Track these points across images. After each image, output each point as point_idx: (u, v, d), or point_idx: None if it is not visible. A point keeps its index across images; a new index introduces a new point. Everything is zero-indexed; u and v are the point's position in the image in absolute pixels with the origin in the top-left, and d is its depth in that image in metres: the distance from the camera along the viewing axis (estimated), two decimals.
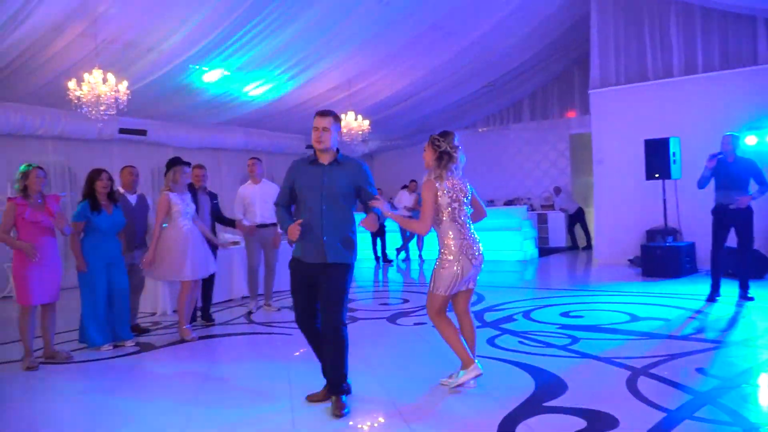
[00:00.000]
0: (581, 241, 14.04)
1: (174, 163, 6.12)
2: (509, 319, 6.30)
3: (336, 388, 3.70)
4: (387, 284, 10.30)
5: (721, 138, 6.77)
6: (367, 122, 11.65)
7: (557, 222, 14.33)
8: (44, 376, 4.86)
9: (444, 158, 3.89)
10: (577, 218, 14.01)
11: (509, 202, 15.12)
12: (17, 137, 9.75)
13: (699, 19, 10.13)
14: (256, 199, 7.23)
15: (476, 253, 3.98)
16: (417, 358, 5.02)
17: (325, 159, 3.78)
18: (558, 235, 14.33)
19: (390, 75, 11.54)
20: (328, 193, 3.71)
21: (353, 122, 11.49)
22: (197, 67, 9.33)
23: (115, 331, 5.62)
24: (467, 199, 4.01)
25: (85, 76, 7.49)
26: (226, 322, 6.81)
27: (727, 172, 6.63)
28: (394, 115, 13.76)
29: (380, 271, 11.87)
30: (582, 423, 3.34)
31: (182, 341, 5.88)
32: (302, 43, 9.40)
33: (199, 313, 6.74)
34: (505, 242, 12.32)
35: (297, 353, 5.23)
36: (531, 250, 12.42)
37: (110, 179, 5.61)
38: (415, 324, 6.27)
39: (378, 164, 17.62)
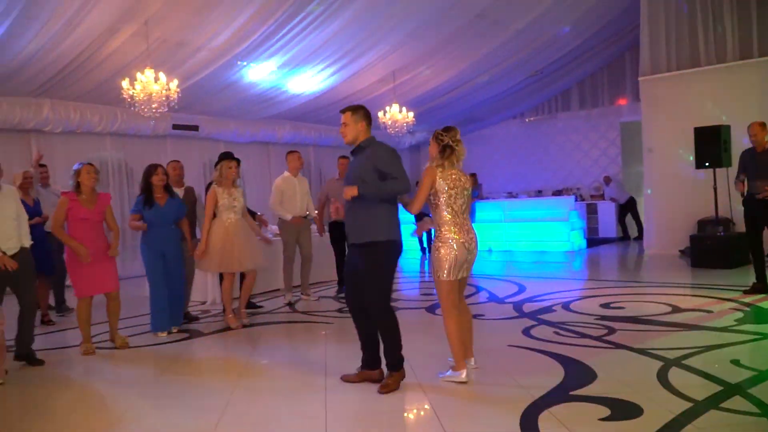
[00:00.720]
0: (632, 232, 13.75)
1: (222, 158, 6.36)
2: (548, 310, 6.30)
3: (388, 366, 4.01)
4: (428, 275, 10.37)
5: (748, 127, 6.56)
6: (411, 114, 11.72)
7: (607, 212, 14.05)
8: (100, 360, 5.21)
9: (447, 151, 4.03)
10: (628, 208, 13.71)
11: (557, 192, 14.91)
12: (77, 134, 10.31)
13: (754, 2, 9.75)
14: (297, 192, 7.43)
15: (470, 241, 4.09)
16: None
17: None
18: (608, 226, 14.05)
19: (435, 66, 11.57)
20: (349, 177, 4.09)
21: (398, 114, 11.58)
22: (244, 63, 9.62)
23: (171, 319, 5.93)
24: (467, 191, 4.10)
25: (138, 75, 7.85)
26: (270, 311, 7.06)
27: (755, 162, 6.45)
28: (439, 106, 13.78)
29: (426, 261, 11.95)
30: (606, 411, 3.37)
31: (228, 329, 6.16)
32: (346, 36, 9.54)
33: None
34: (552, 233, 12.22)
35: (323, 332, 5.45)
36: (578, 240, 12.25)
37: (165, 173, 5.90)
38: None
39: (425, 155, 17.63)
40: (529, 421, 3.28)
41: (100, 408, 4.03)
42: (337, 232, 7.81)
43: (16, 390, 4.49)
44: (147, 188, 5.77)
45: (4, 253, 4.62)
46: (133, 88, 7.78)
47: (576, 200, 13.58)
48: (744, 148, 6.83)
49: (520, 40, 11.28)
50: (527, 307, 6.46)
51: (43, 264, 5.99)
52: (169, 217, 5.86)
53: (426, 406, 3.67)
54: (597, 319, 5.72)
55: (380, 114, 11.56)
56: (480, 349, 4.77)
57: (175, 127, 11.34)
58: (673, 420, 3.19)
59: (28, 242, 5.08)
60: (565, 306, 6.42)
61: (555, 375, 4.07)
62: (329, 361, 4.75)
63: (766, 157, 6.42)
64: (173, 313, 5.95)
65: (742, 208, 6.76)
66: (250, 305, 7.08)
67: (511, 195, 15.37)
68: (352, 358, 4.34)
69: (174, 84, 8.06)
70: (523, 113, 16.03)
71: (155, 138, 11.36)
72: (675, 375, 3.93)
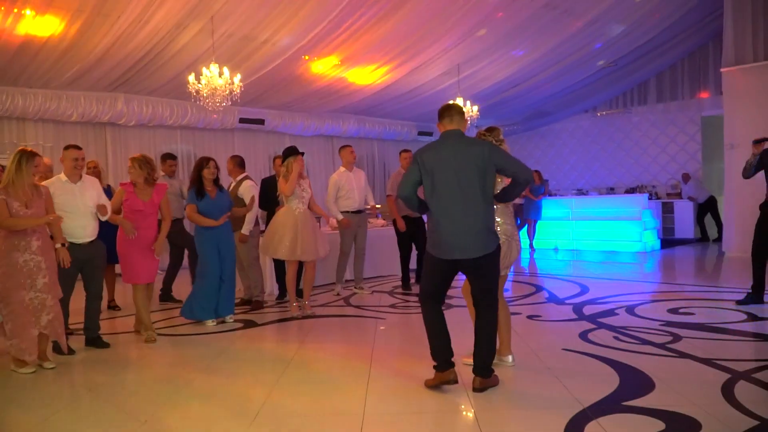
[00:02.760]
0: (712, 233, 12.97)
1: (289, 153, 6.37)
2: (610, 313, 6.00)
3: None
4: None
5: None
6: (476, 108, 11.46)
7: (685, 211, 13.33)
8: (158, 347, 5.36)
9: None
10: (707, 208, 12.96)
11: (631, 190, 14.26)
12: (149, 127, 10.71)
13: None
14: (354, 186, 7.41)
15: (519, 240, 4.27)
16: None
17: None
18: (685, 226, 13.32)
19: (501, 59, 11.26)
20: None
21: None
22: (307, 57, 9.67)
23: (218, 309, 6.03)
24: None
25: (203, 70, 8.03)
26: (325, 304, 7.07)
27: None
28: (506, 100, 13.42)
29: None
30: (659, 425, 3.13)
31: (291, 318, 6.22)
32: (410, 29, 9.38)
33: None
34: (622, 232, 11.69)
35: (382, 327, 5.41)
36: (651, 241, 11.65)
37: (216, 167, 6.00)
38: (511, 314, 6.12)
39: None
40: (574, 431, 3.09)
41: (145, 394, 4.12)
42: (407, 227, 7.77)
43: (79, 370, 4.68)
44: (198, 180, 5.88)
45: (62, 245, 4.78)
46: (199, 83, 7.96)
47: (650, 198, 12.94)
48: None
49: (592, 31, 10.80)
50: (588, 310, 6.18)
51: (111, 253, 6.20)
52: (221, 209, 5.96)
53: (468, 408, 3.53)
54: (662, 325, 5.38)
55: None
56: (532, 351, 4.60)
57: (242, 120, 11.58)
58: None
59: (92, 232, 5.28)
60: (630, 310, 6.09)
61: (609, 383, 3.84)
62: (375, 357, 4.69)
63: None
64: (227, 303, 6.06)
65: None
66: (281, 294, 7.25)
67: (580, 192, 14.84)
68: (398, 353, 4.26)
69: (237, 78, 8.19)
70: (596, 107, 15.40)
71: (223, 131, 11.65)
72: (742, 389, 3.62)
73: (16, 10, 6.89)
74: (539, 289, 7.71)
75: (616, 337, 5.00)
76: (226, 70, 8.12)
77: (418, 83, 11.65)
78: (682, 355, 4.43)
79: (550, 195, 14.42)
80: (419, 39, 9.75)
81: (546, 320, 5.87)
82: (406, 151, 8.24)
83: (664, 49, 12.92)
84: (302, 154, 6.34)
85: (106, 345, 5.25)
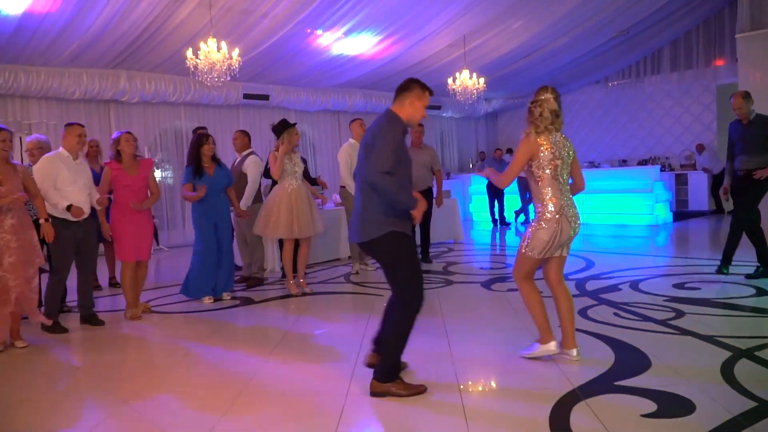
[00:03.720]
0: (727, 205, 12.68)
1: (284, 126, 6.27)
2: (613, 288, 5.87)
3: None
4: (498, 248, 10.02)
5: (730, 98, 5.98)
6: (482, 80, 11.22)
7: (699, 183, 13.05)
8: (149, 325, 5.34)
9: (548, 117, 3.66)
10: (723, 179, 12.64)
11: (643, 162, 13.98)
12: (152, 104, 10.64)
13: None
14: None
15: (576, 217, 3.74)
16: (495, 323, 4.85)
17: None
18: (700, 198, 13.06)
19: (508, 30, 10.96)
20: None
21: (468, 81, 11.12)
22: (309, 31, 9.49)
23: (216, 286, 5.99)
24: (570, 158, 3.73)
25: (201, 44, 7.90)
26: (326, 281, 7.02)
27: (742, 135, 5.88)
28: (515, 72, 13.14)
29: (497, 234, 11.58)
30: (652, 406, 3.03)
31: (288, 296, 6.18)
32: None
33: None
34: (634, 205, 11.48)
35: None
36: (664, 214, 11.43)
37: (214, 143, 5.91)
38: (509, 290, 6.04)
39: (503, 124, 17.05)
40: (561, 413, 3.00)
41: (131, 373, 4.10)
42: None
43: (68, 349, 4.68)
44: (197, 157, 5.80)
45: (46, 220, 4.74)
46: (197, 58, 7.84)
47: (663, 170, 12.67)
48: None
49: None
50: (591, 285, 6.05)
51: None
52: (219, 185, 5.88)
53: (453, 386, 3.44)
54: (666, 300, 5.25)
55: (449, 81, 11.15)
56: (526, 328, 4.50)
57: (246, 96, 11.46)
58: (730, 421, 2.81)
59: (88, 210, 5.26)
60: (634, 285, 5.95)
61: (604, 362, 3.73)
62: (368, 336, 4.62)
63: (752, 129, 5.86)
64: (226, 281, 6.04)
65: None
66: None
67: (593, 165, 14.56)
68: None
69: (236, 53, 8.05)
70: (607, 77, 15.04)
71: (227, 107, 11.54)
72: (743, 368, 3.50)
73: None
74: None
75: (616, 314, 4.88)
76: (224, 44, 7.97)
77: (424, 56, 11.41)
78: (683, 332, 4.30)
79: None
80: (423, 9, 9.52)
81: (545, 296, 5.73)
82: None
83: (678, 15, 12.53)
84: (294, 125, 6.19)
85: (101, 323, 5.26)
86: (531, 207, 12.04)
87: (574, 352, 3.77)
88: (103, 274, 7.11)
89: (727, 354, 3.75)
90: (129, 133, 5.55)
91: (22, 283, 4.58)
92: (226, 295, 6.10)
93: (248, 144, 7.02)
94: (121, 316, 5.61)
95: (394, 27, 9.92)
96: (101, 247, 7.04)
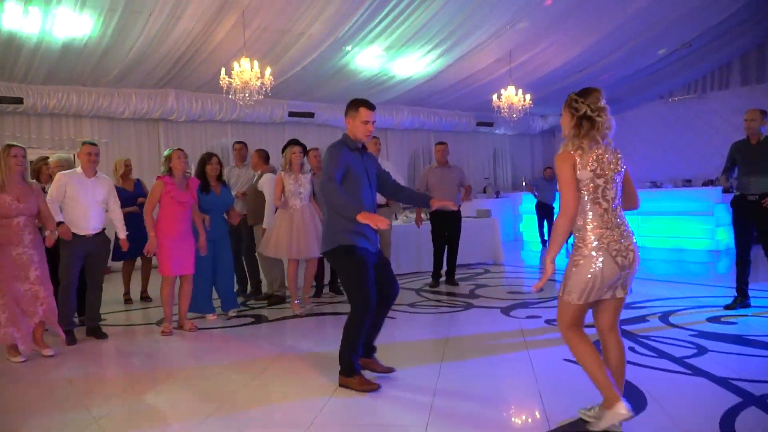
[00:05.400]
0: None
1: (287, 144, 6.38)
2: (640, 320, 5.45)
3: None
4: (540, 271, 9.60)
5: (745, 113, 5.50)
6: (528, 96, 10.87)
7: None
8: (164, 339, 5.40)
9: (585, 125, 2.93)
10: None
11: (709, 182, 13.10)
12: (199, 123, 10.95)
13: None
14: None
15: (626, 251, 2.91)
16: (490, 351, 4.57)
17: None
18: None
19: (557, 43, 10.60)
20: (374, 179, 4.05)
21: (514, 97, 10.81)
22: (348, 48, 9.51)
23: (222, 303, 6.01)
24: (619, 177, 2.99)
25: (234, 64, 8.05)
26: (341, 301, 6.90)
27: (748, 155, 5.45)
28: (569, 86, 12.61)
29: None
30: None
31: (294, 316, 6.12)
32: (453, 12, 8.96)
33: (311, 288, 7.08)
34: (692, 229, 10.75)
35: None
36: (725, 239, 10.62)
37: (219, 163, 5.97)
38: (527, 317, 5.73)
39: (560, 141, 16.42)
40: None
41: (111, 388, 4.12)
42: (439, 222, 7.66)
43: (71, 361, 4.78)
44: (202, 176, 5.86)
45: (51, 231, 4.91)
46: (229, 78, 8.00)
47: (727, 192, 11.81)
48: None
49: (660, 9, 9.90)
50: None
51: (139, 245, 6.19)
52: (223, 205, 5.95)
53: (423, 409, 3.23)
54: (693, 335, 4.80)
55: (494, 97, 10.88)
56: (529, 358, 4.23)
57: (291, 114, 11.62)
58: None
59: (122, 233, 5.42)
60: (664, 317, 5.50)
61: (594, 401, 3.41)
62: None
63: (761, 149, 5.40)
64: (228, 298, 6.04)
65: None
66: (337, 290, 7.14)
67: (654, 184, 13.80)
68: (386, 356, 4.02)
69: (267, 71, 8.15)
70: (671, 92, 14.26)
71: (273, 125, 11.72)
72: (748, 417, 3.11)
73: (52, 11, 7.16)
74: None
75: (631, 348, 4.49)
76: (255, 63, 8.09)
77: (470, 71, 11.21)
78: (697, 372, 3.90)
79: None
80: (463, 21, 9.29)
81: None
82: (441, 143, 7.94)
83: (747, 26, 11.72)
84: (292, 144, 6.23)
85: (104, 336, 5.36)
86: None
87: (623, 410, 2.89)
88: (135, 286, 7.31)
89: (736, 400, 3.35)
90: (180, 150, 5.64)
91: (50, 294, 4.80)
92: (231, 312, 6.09)
93: (262, 163, 7.03)
94: (137, 329, 5.72)
95: (433, 43, 9.79)
96: (138, 261, 7.29)
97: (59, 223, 5.03)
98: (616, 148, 3.02)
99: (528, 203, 13.10)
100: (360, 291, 3.75)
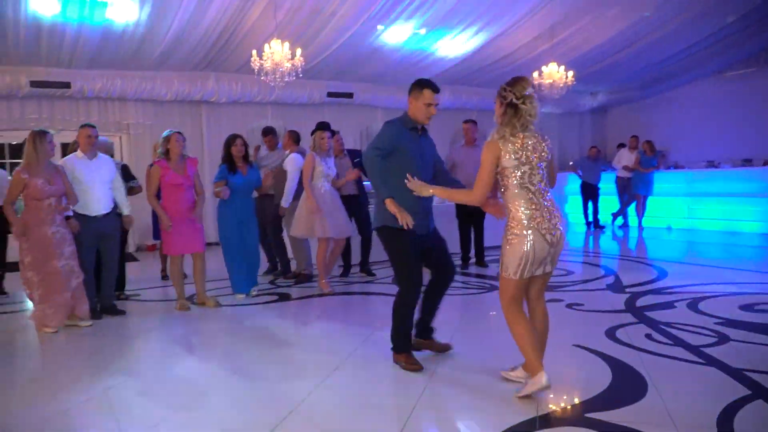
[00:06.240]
0: None
1: (316, 128, 6.42)
2: (666, 306, 5.24)
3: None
4: (580, 253, 9.34)
5: None
6: (571, 73, 10.49)
7: None
8: (181, 316, 5.57)
9: (509, 112, 3.15)
10: None
11: None
12: (240, 104, 11.12)
13: None
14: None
15: (554, 229, 3.18)
16: (498, 336, 4.48)
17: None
18: None
19: (602, 17, 10.13)
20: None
21: (555, 73, 10.47)
22: (380, 27, 9.42)
23: (246, 282, 6.14)
24: (545, 164, 3.21)
25: (265, 47, 8.11)
26: (371, 281, 6.93)
27: None
28: (618, 62, 12.14)
29: (590, 237, 10.83)
30: None
31: (321, 294, 6.21)
32: None
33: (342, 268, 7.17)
34: (747, 211, 10.21)
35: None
36: None
37: (244, 144, 6.04)
38: (549, 300, 5.56)
39: (611, 120, 15.89)
40: None
41: (130, 356, 4.29)
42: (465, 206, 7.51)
43: (90, 337, 5.00)
44: (228, 157, 5.95)
45: (69, 217, 5.15)
46: (260, 59, 8.07)
47: None
48: None
49: None
50: (644, 301, 5.44)
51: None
52: (249, 185, 6.03)
53: (417, 389, 3.23)
54: (718, 323, 4.58)
55: (535, 74, 10.57)
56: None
57: (330, 95, 11.64)
58: None
59: (126, 210, 5.59)
60: (692, 304, 5.26)
61: (590, 389, 3.33)
62: (374, 338, 4.48)
63: None
64: (250, 277, 6.15)
65: None
66: (368, 271, 7.14)
67: (711, 164, 13.15)
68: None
69: (298, 52, 8.17)
70: (732, 66, 13.43)
71: (312, 106, 11.76)
72: (752, 411, 2.96)
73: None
74: (608, 273, 6.97)
75: (648, 335, 4.34)
76: (286, 44, 8.13)
77: (511, 48, 10.90)
78: (711, 361, 3.72)
79: (675, 167, 13.01)
80: None
81: (584, 310, 5.26)
82: (469, 121, 7.81)
83: None
84: (320, 128, 6.26)
85: (120, 313, 5.56)
86: (631, 208, 11.27)
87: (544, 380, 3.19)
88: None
89: (743, 393, 3.19)
90: (179, 133, 5.79)
91: (80, 271, 5.05)
92: (253, 291, 6.21)
93: (292, 143, 7.10)
94: (154, 306, 5.94)
95: (468, 20, 9.56)
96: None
97: (67, 217, 5.21)
98: (544, 136, 3.25)
99: (573, 184, 12.73)
100: (404, 272, 3.74)
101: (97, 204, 5.36)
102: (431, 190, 3.53)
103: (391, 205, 3.59)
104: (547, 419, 2.96)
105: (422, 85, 3.75)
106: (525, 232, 3.14)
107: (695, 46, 11.63)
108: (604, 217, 11.83)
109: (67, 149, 7.22)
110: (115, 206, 5.57)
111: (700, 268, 7.12)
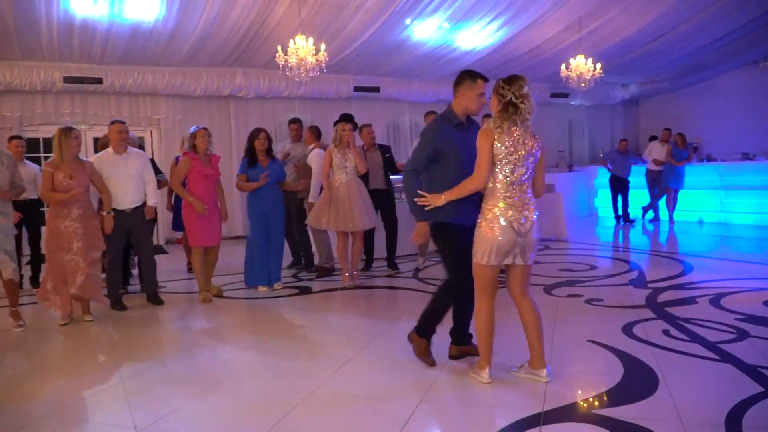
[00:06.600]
0: None
1: (339, 120, 6.45)
2: (688, 301, 5.17)
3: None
4: (608, 248, 9.23)
5: None
6: (599, 65, 10.33)
7: None
8: (202, 309, 5.71)
9: (510, 109, 3.27)
10: None
11: None
12: (267, 99, 11.26)
13: None
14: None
15: (524, 220, 3.29)
16: (511, 331, 4.49)
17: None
18: None
19: (631, 8, 9.92)
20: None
21: (583, 66, 10.32)
22: (408, 21, 9.42)
23: (270, 276, 6.24)
24: (532, 159, 3.32)
25: (290, 42, 8.19)
26: (394, 275, 6.96)
27: None
28: (649, 53, 11.89)
29: (620, 231, 10.67)
30: None
31: (343, 288, 6.28)
32: None
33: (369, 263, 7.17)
34: None
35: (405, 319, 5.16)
36: None
37: (267, 138, 6.13)
38: (569, 296, 5.56)
39: (644, 112, 15.58)
40: None
41: (148, 347, 4.44)
42: None
43: (109, 325, 5.17)
44: (251, 151, 6.05)
45: (108, 213, 5.31)
46: (285, 55, 8.15)
47: None
48: None
49: None
50: (666, 296, 5.36)
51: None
52: (272, 178, 6.10)
53: (422, 387, 3.26)
54: (739, 319, 4.50)
55: (563, 67, 10.44)
56: (550, 340, 4.12)
57: (357, 89, 11.69)
58: None
59: (151, 201, 5.73)
60: (715, 299, 5.17)
61: (599, 385, 3.32)
62: (384, 333, 4.53)
63: None
64: (273, 271, 6.25)
65: None
66: (393, 266, 7.17)
67: (746, 156, 12.80)
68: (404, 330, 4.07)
69: (322, 48, 8.23)
70: (763, 57, 13.00)
71: (339, 100, 11.82)
72: (764, 409, 2.92)
73: None
74: (632, 268, 6.88)
75: (665, 331, 4.29)
76: (310, 40, 8.19)
77: (539, 41, 10.78)
78: (727, 358, 3.67)
79: (708, 160, 12.70)
80: None
81: (603, 305, 5.21)
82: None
83: None
84: (342, 120, 6.28)
85: (160, 302, 5.73)
86: (661, 202, 11.06)
87: (543, 372, 3.40)
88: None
89: (757, 390, 3.14)
90: (205, 128, 5.95)
91: (89, 265, 5.15)
92: (276, 285, 6.30)
93: (314, 138, 7.16)
94: (193, 297, 6.09)
95: (495, 12, 9.48)
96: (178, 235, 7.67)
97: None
98: (535, 134, 3.36)
99: (603, 177, 12.55)
100: (452, 267, 3.68)
101: (124, 197, 5.50)
102: (443, 198, 3.46)
103: (417, 227, 3.64)
104: (552, 415, 2.96)
105: (474, 75, 3.65)
106: (495, 218, 3.28)
107: (731, 35, 11.30)
108: (634, 211, 11.64)
109: (97, 144, 7.46)
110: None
111: (728, 263, 6.98)
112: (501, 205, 3.29)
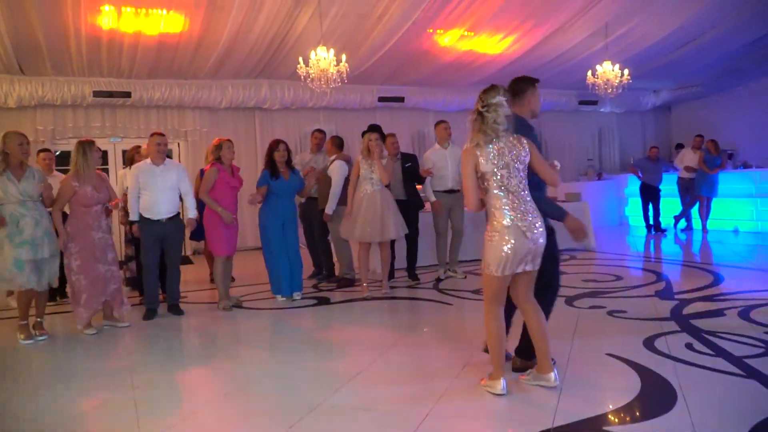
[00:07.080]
0: None
1: (367, 130, 6.42)
2: (715, 314, 4.98)
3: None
4: (638, 258, 8.99)
5: None
6: (626, 71, 10.12)
7: None
8: (224, 317, 5.73)
9: (477, 119, 3.28)
10: None
11: None
12: (292, 110, 11.35)
13: None
14: (448, 164, 7.07)
15: (533, 227, 3.27)
16: None
17: None
18: None
19: (659, 13, 9.72)
20: None
21: (610, 72, 10.13)
22: (430, 30, 9.40)
23: (291, 285, 6.24)
24: (522, 166, 3.30)
25: (311, 53, 8.24)
26: (414, 285, 6.90)
27: None
28: (681, 58, 11.62)
29: (651, 242, 10.40)
30: None
31: (363, 299, 6.25)
32: None
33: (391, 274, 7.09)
34: None
35: (425, 329, 5.09)
36: None
37: (287, 149, 6.17)
38: (591, 307, 5.42)
39: (676, 118, 15.23)
40: None
41: (163, 358, 4.46)
42: None
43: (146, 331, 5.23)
44: (271, 162, 6.09)
45: (133, 223, 5.48)
46: (306, 66, 8.20)
47: None
48: None
49: None
50: (692, 308, 5.18)
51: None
52: (291, 189, 6.14)
53: (428, 398, 3.20)
54: (767, 332, 4.32)
55: (589, 74, 10.27)
56: (567, 353, 4.02)
57: (381, 99, 11.70)
58: None
59: (190, 213, 5.82)
60: (744, 312, 4.97)
61: (616, 401, 3.21)
62: (398, 344, 4.47)
63: None
64: (294, 281, 6.26)
65: None
66: (413, 276, 7.11)
67: None
68: (417, 345, 4.02)
69: (343, 59, 8.26)
70: None
71: (364, 110, 11.84)
72: None
73: (143, 10, 7.74)
74: (660, 278, 6.68)
75: (689, 345, 4.13)
76: (332, 51, 8.23)
77: (565, 47, 10.63)
78: (752, 374, 3.51)
79: (744, 167, 12.32)
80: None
81: (626, 317, 5.05)
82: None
83: None
84: (369, 131, 6.27)
85: (181, 312, 5.79)
86: (694, 210, 10.75)
87: (551, 377, 3.37)
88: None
89: None
90: (229, 140, 6.06)
91: (120, 276, 5.30)
92: (296, 295, 6.30)
93: (335, 149, 7.15)
94: (212, 307, 6.13)
95: (518, 20, 9.40)
96: (202, 245, 7.76)
97: (131, 223, 5.62)
98: (521, 138, 3.31)
99: (633, 186, 12.29)
100: (556, 269, 3.74)
101: (159, 207, 5.60)
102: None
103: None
104: (561, 430, 2.86)
105: (533, 80, 3.69)
106: (506, 230, 3.24)
107: (765, 38, 10.98)
108: (666, 220, 11.35)
109: (124, 156, 7.60)
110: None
111: (762, 273, 6.73)
112: (508, 216, 3.26)
